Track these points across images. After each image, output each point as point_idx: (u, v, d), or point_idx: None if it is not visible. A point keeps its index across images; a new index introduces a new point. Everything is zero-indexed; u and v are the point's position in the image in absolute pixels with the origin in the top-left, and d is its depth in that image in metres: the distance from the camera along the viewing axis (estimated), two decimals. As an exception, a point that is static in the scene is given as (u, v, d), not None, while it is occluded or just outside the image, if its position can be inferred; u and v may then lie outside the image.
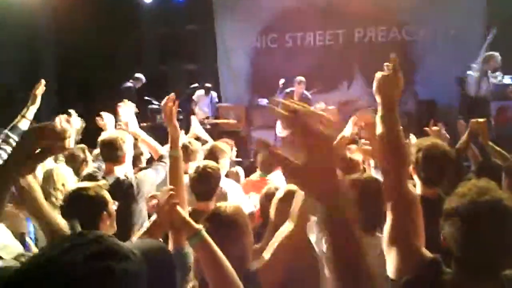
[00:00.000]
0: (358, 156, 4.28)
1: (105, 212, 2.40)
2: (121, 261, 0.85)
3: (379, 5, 10.34)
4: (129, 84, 10.05)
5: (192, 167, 3.28)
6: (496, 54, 7.65)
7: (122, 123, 3.78)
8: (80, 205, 2.35)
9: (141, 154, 4.93)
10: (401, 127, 1.79)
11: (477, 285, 1.50)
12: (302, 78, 8.76)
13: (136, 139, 3.86)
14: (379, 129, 1.79)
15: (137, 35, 11.16)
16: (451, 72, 8.92)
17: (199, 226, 1.72)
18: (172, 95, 2.69)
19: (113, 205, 2.46)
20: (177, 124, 2.63)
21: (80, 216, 1.79)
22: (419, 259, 1.59)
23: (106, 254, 0.84)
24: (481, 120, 3.81)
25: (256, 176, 4.45)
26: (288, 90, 8.72)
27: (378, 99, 1.82)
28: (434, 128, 4.13)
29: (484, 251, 1.46)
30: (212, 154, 3.87)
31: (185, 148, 3.95)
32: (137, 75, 10.26)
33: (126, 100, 3.89)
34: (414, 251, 1.62)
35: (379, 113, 1.81)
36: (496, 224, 1.44)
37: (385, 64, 1.87)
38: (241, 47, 11.66)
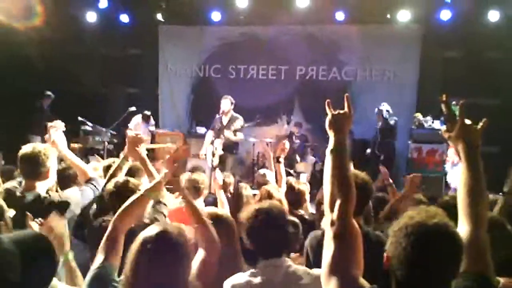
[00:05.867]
0: (303, 187, 4.37)
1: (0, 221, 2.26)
2: None
3: (321, 45, 10.73)
4: (38, 103, 9.95)
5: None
6: None
7: (49, 142, 3.59)
8: None
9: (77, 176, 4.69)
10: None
11: None
12: (226, 96, 8.32)
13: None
14: (329, 162, 1.90)
15: (78, 55, 10.86)
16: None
17: None
18: None
19: (8, 213, 2.32)
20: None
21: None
22: None
23: None
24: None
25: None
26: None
27: (330, 134, 1.97)
28: None
29: (428, 272, 1.50)
30: (132, 172, 3.71)
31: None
32: (47, 92, 10.07)
33: (57, 121, 3.70)
34: (353, 281, 1.65)
35: (330, 147, 1.94)
36: (442, 247, 1.50)
37: (327, 101, 2.06)
38: (184, 75, 11.68)
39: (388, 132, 8.94)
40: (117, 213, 2.29)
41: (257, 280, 2.34)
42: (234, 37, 11.30)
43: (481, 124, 1.93)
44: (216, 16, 10.72)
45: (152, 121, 10.06)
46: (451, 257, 1.53)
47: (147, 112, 9.89)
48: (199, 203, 4.00)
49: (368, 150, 9.24)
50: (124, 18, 11.12)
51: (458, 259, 1.55)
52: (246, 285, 2.35)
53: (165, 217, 3.03)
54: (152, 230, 1.93)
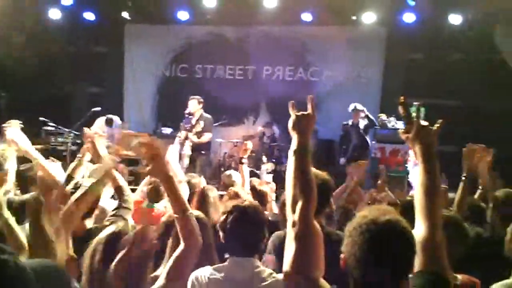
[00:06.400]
0: (265, 188, 4.38)
1: None
2: (13, 256, 0.92)
3: (287, 45, 10.80)
4: None
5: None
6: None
7: (7, 142, 3.48)
8: None
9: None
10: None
11: None
12: (194, 96, 8.35)
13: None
14: (291, 163, 1.91)
15: (41, 53, 10.57)
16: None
17: None
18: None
19: None
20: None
21: None
22: None
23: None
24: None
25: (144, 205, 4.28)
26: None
27: (293, 135, 1.95)
28: None
29: (384, 268, 1.53)
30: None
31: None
32: None
33: (12, 121, 3.59)
34: (313, 282, 1.68)
35: (293, 148, 1.93)
36: (395, 242, 1.53)
37: (290, 102, 2.02)
38: (150, 74, 11.55)
39: (369, 131, 8.98)
40: (61, 215, 2.23)
41: (219, 275, 2.35)
42: (201, 37, 11.25)
43: (437, 125, 1.96)
44: (183, 15, 10.64)
45: (117, 123, 9.76)
46: (404, 251, 1.56)
47: (111, 116, 9.62)
48: (160, 206, 3.97)
49: (342, 160, 9.01)
50: (89, 15, 10.88)
51: (412, 253, 1.59)
52: (208, 278, 2.35)
53: (125, 220, 2.99)
54: (105, 232, 1.91)
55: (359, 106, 8.81)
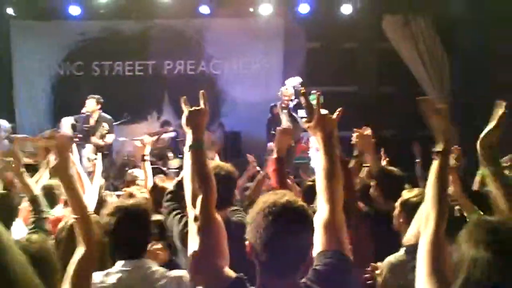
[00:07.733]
0: (167, 185, 4.29)
1: None
2: None
3: (188, 39, 10.68)
4: None
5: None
6: None
7: None
8: None
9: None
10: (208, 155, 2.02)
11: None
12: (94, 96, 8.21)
13: None
14: (188, 158, 1.97)
15: None
16: (254, 106, 9.48)
17: None
18: None
19: None
20: None
21: None
22: (223, 280, 1.68)
23: None
24: None
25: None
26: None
27: (187, 131, 2.03)
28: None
29: (284, 251, 1.60)
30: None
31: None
32: None
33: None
34: (218, 272, 1.70)
35: (188, 143, 1.99)
36: (297, 219, 1.63)
37: (182, 98, 2.12)
38: (42, 73, 10.87)
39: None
40: None
41: (111, 280, 2.27)
42: (95, 33, 10.76)
43: (336, 113, 2.10)
44: (74, 10, 10.07)
45: (4, 126, 9.00)
46: (306, 227, 1.67)
47: None
48: (57, 211, 3.77)
49: (270, 144, 8.32)
50: (-32, 12, 9.99)
51: (312, 229, 1.71)
52: (98, 286, 2.27)
53: (46, 231, 2.85)
54: None
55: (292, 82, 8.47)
